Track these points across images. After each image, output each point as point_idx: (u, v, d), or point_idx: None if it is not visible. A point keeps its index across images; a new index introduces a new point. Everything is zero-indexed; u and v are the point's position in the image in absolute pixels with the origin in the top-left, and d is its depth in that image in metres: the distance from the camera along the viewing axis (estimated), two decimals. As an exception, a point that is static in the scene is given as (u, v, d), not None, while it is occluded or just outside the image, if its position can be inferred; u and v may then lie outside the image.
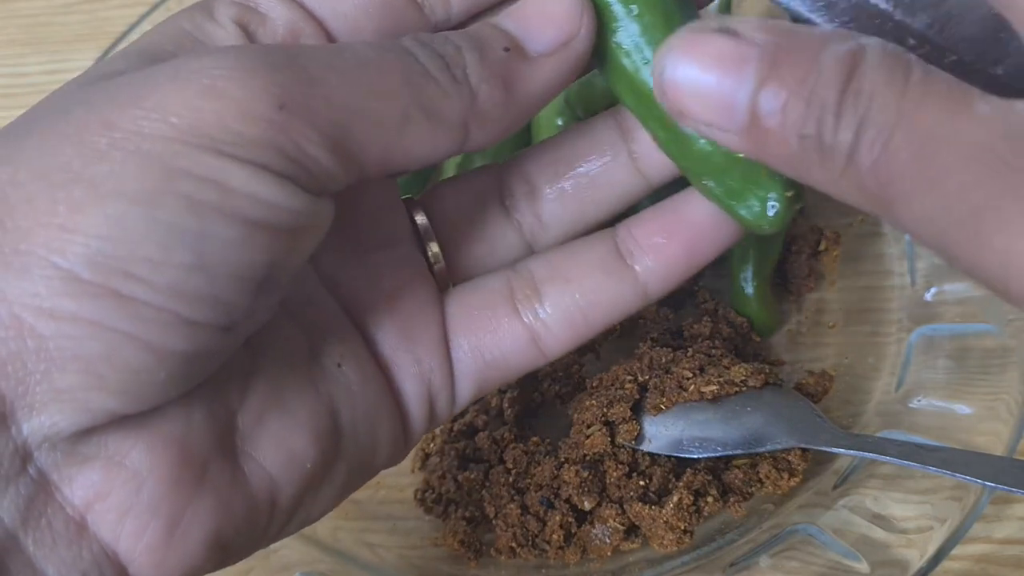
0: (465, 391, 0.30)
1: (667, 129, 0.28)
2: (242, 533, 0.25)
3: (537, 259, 0.31)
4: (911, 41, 0.24)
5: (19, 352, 0.20)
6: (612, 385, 0.40)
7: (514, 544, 0.39)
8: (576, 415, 0.40)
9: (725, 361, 0.40)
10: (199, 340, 0.22)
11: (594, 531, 0.38)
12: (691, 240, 0.30)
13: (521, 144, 0.47)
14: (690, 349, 0.41)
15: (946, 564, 0.34)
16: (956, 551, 0.34)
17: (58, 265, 0.20)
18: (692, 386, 0.38)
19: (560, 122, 0.47)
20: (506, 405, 0.43)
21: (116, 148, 0.21)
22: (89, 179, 0.20)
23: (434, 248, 0.31)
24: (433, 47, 0.25)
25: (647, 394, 0.39)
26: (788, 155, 0.22)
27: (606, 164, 0.31)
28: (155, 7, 0.50)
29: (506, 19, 0.27)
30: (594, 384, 0.41)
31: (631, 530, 0.38)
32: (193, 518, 0.23)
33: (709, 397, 0.38)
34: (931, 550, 0.34)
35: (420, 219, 0.31)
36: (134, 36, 0.49)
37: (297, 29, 0.27)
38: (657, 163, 0.31)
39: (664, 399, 0.38)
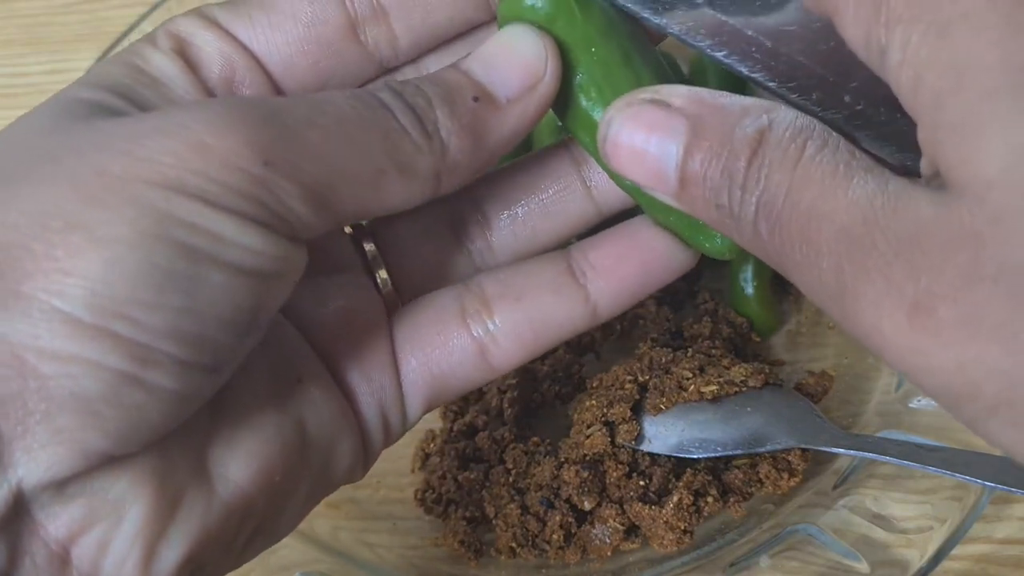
0: (415, 406, 0.30)
1: None
2: (215, 551, 0.25)
3: (489, 276, 0.31)
4: (847, 98, 0.25)
5: (20, 392, 0.21)
6: (612, 385, 0.40)
7: (514, 544, 0.39)
8: (576, 415, 0.40)
9: (725, 361, 0.40)
10: (189, 380, 0.22)
11: (594, 531, 0.38)
12: (645, 264, 0.30)
13: (522, 149, 0.47)
14: (690, 349, 0.41)
15: (946, 564, 0.34)
16: (956, 551, 0.34)
17: (58, 308, 0.21)
18: (692, 386, 0.38)
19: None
20: (506, 405, 0.43)
21: (111, 194, 0.21)
22: (85, 224, 0.21)
23: (382, 275, 0.31)
24: (405, 98, 0.25)
25: (647, 394, 0.39)
26: (712, 219, 0.25)
27: (558, 193, 0.31)
28: (155, 7, 0.50)
29: (474, 64, 0.27)
30: (594, 384, 0.41)
31: (631, 530, 0.38)
32: (170, 543, 0.24)
33: (709, 397, 0.38)
34: (931, 550, 0.34)
35: (368, 247, 0.31)
36: (134, 36, 0.49)
37: (233, 63, 0.28)
38: (609, 192, 0.31)
39: (664, 399, 0.38)
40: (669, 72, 0.28)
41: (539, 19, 0.27)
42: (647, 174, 0.25)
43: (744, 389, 0.38)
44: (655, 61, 0.28)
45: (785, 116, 0.24)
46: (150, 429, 0.22)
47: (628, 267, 0.30)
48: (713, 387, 0.38)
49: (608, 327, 0.46)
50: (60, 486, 0.22)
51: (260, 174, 0.22)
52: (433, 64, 0.30)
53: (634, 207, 0.31)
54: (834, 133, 0.23)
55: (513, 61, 0.27)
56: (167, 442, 0.23)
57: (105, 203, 0.21)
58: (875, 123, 0.25)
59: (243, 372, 0.26)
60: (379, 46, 0.29)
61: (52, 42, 0.64)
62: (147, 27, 0.49)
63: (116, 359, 0.21)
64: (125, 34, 0.49)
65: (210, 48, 0.27)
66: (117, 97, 0.25)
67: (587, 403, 0.40)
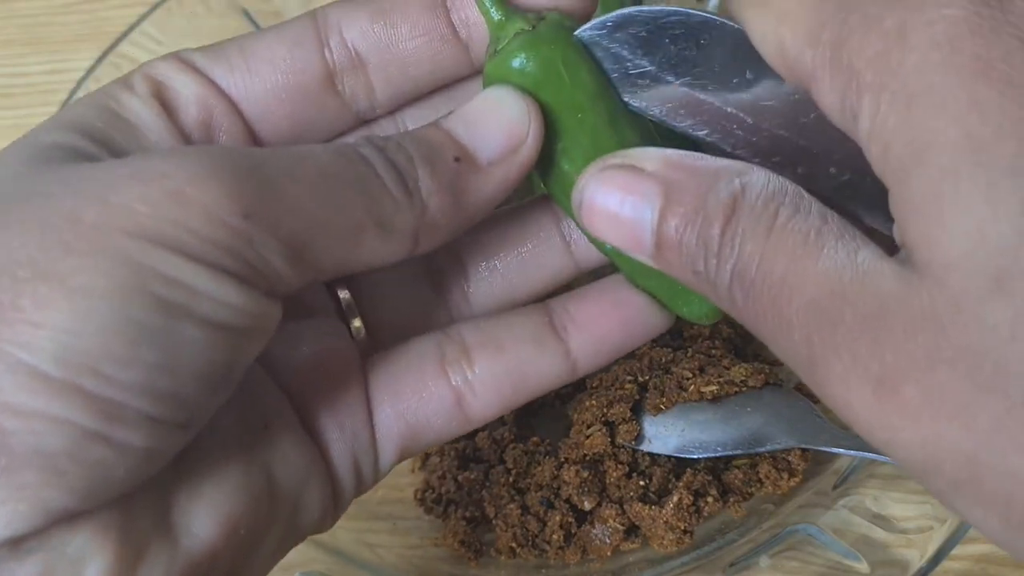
0: (388, 456, 0.30)
1: None
2: None
3: (469, 325, 0.30)
4: (832, 170, 0.25)
5: None
6: (612, 385, 0.40)
7: (514, 544, 0.39)
8: (576, 415, 0.40)
9: (725, 361, 0.40)
10: (158, 437, 0.22)
11: (594, 531, 0.38)
12: (625, 322, 0.30)
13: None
14: (690, 349, 0.41)
15: (946, 564, 0.34)
16: (956, 551, 0.34)
17: (23, 361, 0.20)
18: (692, 386, 0.38)
19: None
20: (506, 405, 0.43)
21: (84, 243, 0.20)
22: (56, 274, 0.20)
23: (356, 323, 0.31)
24: (387, 155, 0.25)
25: (647, 394, 0.39)
26: (690, 283, 0.25)
27: (538, 247, 0.31)
28: (155, 7, 0.50)
29: (456, 123, 0.27)
30: (594, 384, 0.41)
31: (631, 530, 0.38)
32: None
33: (709, 397, 0.38)
34: (931, 550, 0.34)
35: (343, 294, 0.31)
36: (134, 36, 0.49)
37: (210, 107, 0.27)
38: (589, 248, 0.31)
39: (664, 399, 0.38)
40: (655, 136, 0.28)
41: (526, 81, 0.27)
42: (623, 238, 0.25)
43: (744, 389, 0.38)
44: (642, 125, 0.28)
45: (758, 179, 0.24)
46: (115, 486, 0.21)
47: (609, 324, 0.30)
48: (713, 387, 0.38)
49: (608, 327, 0.46)
50: (18, 542, 0.21)
51: (240, 227, 0.21)
52: (411, 118, 0.30)
53: (612, 262, 0.31)
54: (807, 195, 0.23)
55: (496, 123, 0.26)
56: (130, 497, 0.22)
57: (78, 252, 0.20)
58: (864, 192, 0.25)
59: (210, 420, 0.25)
60: (356, 97, 0.28)
61: (52, 42, 0.64)
62: (148, 27, 0.49)
63: (83, 416, 0.20)
64: (125, 34, 0.49)
65: (187, 92, 0.27)
66: (91, 141, 0.25)
67: (587, 403, 0.40)
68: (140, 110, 0.26)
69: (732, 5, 0.24)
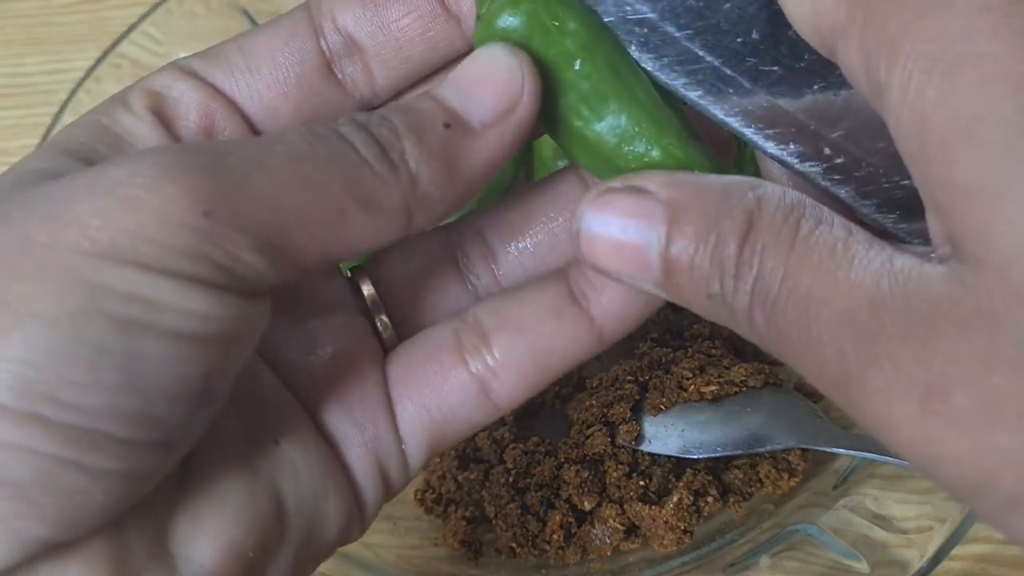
0: (417, 454, 0.28)
1: None
2: None
3: (484, 306, 0.29)
4: (827, 150, 0.24)
5: None
6: (612, 385, 0.40)
7: (514, 544, 0.39)
8: (576, 415, 0.40)
9: (725, 361, 0.40)
10: (135, 459, 0.21)
11: (594, 531, 0.38)
12: None
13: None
14: (690, 349, 0.41)
15: (946, 564, 0.34)
16: (956, 551, 0.34)
17: None
18: (692, 386, 0.38)
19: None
20: (506, 405, 0.43)
21: (36, 267, 0.20)
22: (7, 302, 0.19)
23: (384, 319, 0.29)
24: (369, 129, 0.24)
25: (647, 394, 0.39)
26: (704, 309, 0.23)
27: (569, 221, 0.29)
28: (155, 7, 0.50)
29: (445, 89, 0.25)
30: (594, 384, 0.41)
31: (631, 530, 0.38)
32: None
33: (709, 397, 0.38)
34: (931, 550, 0.34)
35: (367, 290, 0.29)
36: (134, 36, 0.49)
37: (211, 112, 0.26)
38: None
39: (664, 399, 0.38)
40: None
41: (514, 40, 0.26)
42: (628, 265, 0.24)
43: (744, 389, 0.38)
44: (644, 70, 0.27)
45: (773, 193, 0.22)
46: (97, 512, 0.21)
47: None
48: (713, 387, 0.38)
49: (608, 327, 0.46)
50: None
51: (202, 226, 0.20)
52: None
53: None
54: (826, 209, 0.22)
55: (487, 83, 0.25)
56: (123, 522, 0.22)
57: (28, 277, 0.19)
58: (859, 177, 0.24)
59: (214, 440, 0.24)
60: (357, 84, 0.28)
61: (52, 42, 0.64)
62: (148, 27, 0.49)
63: (47, 444, 0.19)
64: (125, 34, 0.49)
65: (186, 98, 0.26)
66: (74, 160, 0.24)
67: (587, 403, 0.40)
68: (132, 123, 0.25)
69: None
